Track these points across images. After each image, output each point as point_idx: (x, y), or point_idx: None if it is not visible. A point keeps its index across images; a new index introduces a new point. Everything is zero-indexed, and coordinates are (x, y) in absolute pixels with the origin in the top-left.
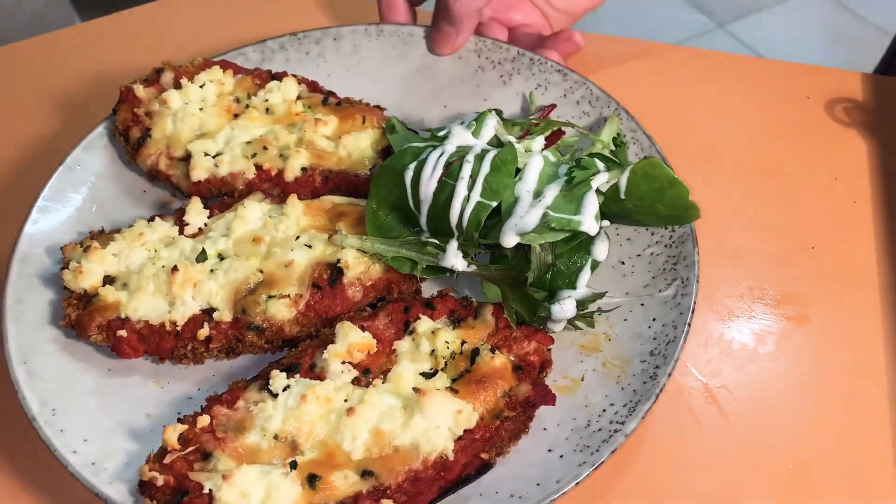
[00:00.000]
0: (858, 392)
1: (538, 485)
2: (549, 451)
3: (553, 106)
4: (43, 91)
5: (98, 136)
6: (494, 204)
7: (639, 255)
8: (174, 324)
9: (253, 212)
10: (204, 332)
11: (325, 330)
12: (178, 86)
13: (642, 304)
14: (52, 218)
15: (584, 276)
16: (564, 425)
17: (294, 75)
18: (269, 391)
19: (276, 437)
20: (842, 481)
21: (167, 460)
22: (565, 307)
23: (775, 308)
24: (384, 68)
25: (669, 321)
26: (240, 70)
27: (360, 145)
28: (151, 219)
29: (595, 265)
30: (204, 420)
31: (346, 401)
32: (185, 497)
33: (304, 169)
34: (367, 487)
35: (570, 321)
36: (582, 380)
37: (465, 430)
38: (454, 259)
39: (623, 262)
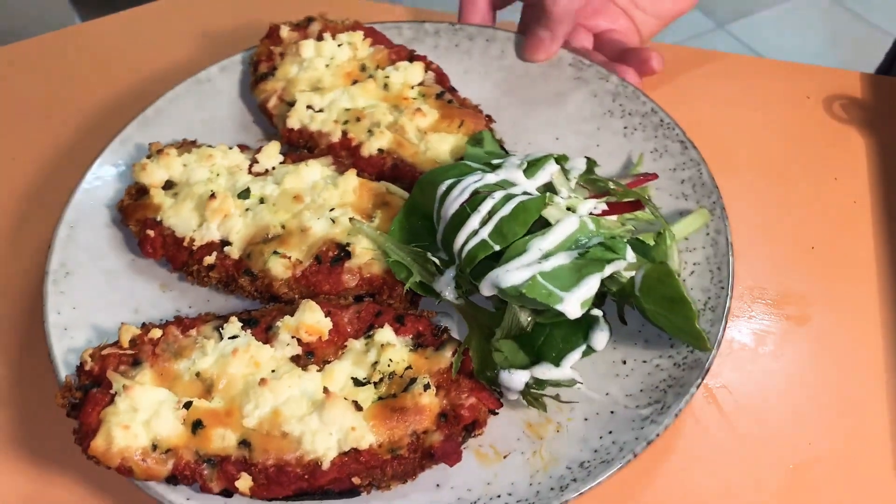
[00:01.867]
0: (858, 392)
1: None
2: (488, 483)
3: (654, 176)
4: (43, 91)
5: (235, 62)
6: (498, 248)
7: (644, 362)
8: (192, 241)
9: (312, 172)
10: (210, 259)
11: (302, 301)
12: (320, 38)
13: (612, 412)
14: (162, 120)
15: (572, 358)
16: (458, 490)
17: (430, 62)
18: (219, 333)
19: (198, 374)
20: (842, 481)
21: (105, 353)
22: (514, 378)
23: (775, 308)
24: (517, 82)
25: (620, 441)
26: (383, 41)
27: (441, 146)
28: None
29: (589, 352)
30: (156, 333)
31: (273, 371)
32: (94, 389)
33: (380, 150)
34: (236, 455)
35: (524, 395)
36: (504, 457)
37: (352, 448)
38: (445, 285)
39: (625, 362)
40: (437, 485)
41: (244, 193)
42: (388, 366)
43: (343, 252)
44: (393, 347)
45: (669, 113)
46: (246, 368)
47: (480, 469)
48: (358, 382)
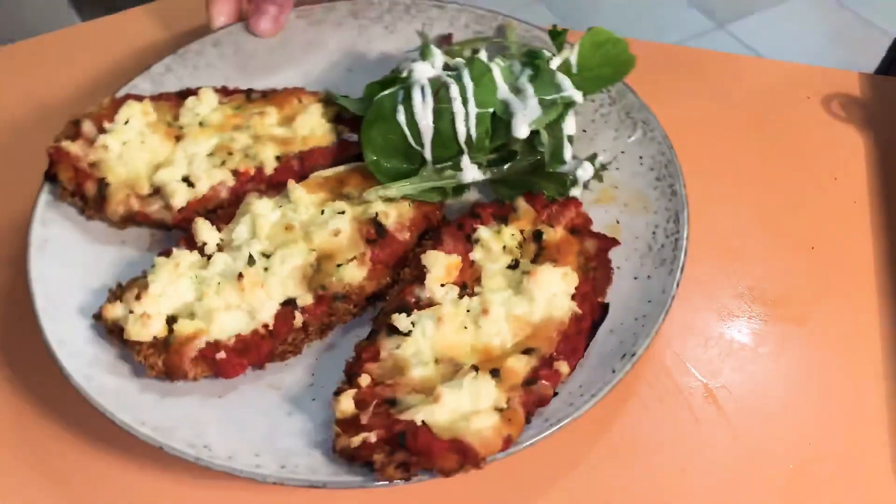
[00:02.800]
0: (858, 392)
1: (649, 302)
2: (635, 278)
3: (450, 35)
4: (43, 91)
5: (48, 207)
6: (491, 110)
7: (593, 121)
8: (266, 326)
9: (264, 208)
10: (299, 319)
11: (406, 270)
12: (102, 131)
13: (623, 152)
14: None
15: (568, 149)
16: (631, 257)
17: (214, 87)
18: (400, 332)
19: (436, 361)
20: (842, 481)
21: (366, 421)
22: (586, 169)
23: (775, 308)
24: (276, 58)
25: (656, 152)
26: (147, 98)
27: (312, 121)
28: (163, 253)
29: (570, 139)
30: (365, 379)
31: (468, 311)
32: (405, 437)
33: (277, 158)
34: (535, 362)
35: (585, 183)
36: (617, 223)
37: (574, 289)
38: (472, 172)
39: (585, 131)
40: (618, 267)
41: (250, 261)
42: (514, 240)
43: (377, 223)
44: (500, 231)
45: (668, 112)
46: (456, 324)
47: (622, 238)
48: (512, 267)
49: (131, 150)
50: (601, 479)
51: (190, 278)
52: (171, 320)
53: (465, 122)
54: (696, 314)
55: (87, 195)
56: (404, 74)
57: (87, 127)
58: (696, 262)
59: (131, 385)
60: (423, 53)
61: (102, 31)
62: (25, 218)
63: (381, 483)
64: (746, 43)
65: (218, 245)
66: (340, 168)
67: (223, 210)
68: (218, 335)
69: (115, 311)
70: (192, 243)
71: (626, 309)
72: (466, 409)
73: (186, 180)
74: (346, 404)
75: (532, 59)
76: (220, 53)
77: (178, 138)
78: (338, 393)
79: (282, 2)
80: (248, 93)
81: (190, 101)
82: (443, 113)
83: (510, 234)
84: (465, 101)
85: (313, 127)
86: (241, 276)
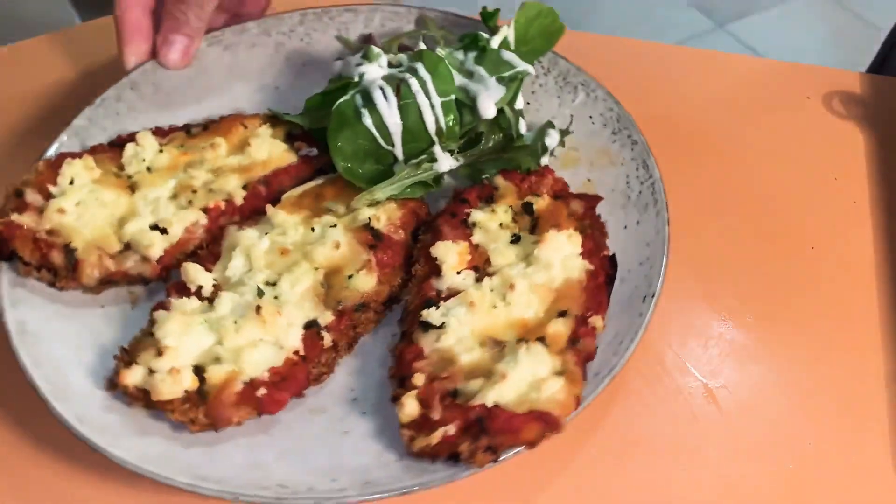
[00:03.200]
0: (858, 392)
1: (647, 245)
2: (625, 227)
3: (370, 35)
4: (43, 91)
5: (13, 287)
6: (453, 97)
7: (534, 93)
8: (296, 352)
9: (252, 238)
10: (327, 339)
11: (416, 267)
12: (48, 196)
13: (571, 115)
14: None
15: (522, 122)
16: (614, 210)
17: (136, 133)
18: (434, 326)
19: (480, 344)
20: (842, 481)
21: (438, 416)
22: (552, 136)
23: (775, 308)
24: (198, 89)
25: (604, 109)
26: (84, 153)
27: (266, 144)
28: (160, 306)
29: (521, 112)
30: (419, 378)
31: (491, 291)
32: (484, 421)
33: (244, 187)
34: (571, 323)
35: (552, 150)
36: (589, 181)
37: (580, 248)
38: (447, 160)
39: (529, 103)
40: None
41: (259, 292)
42: (508, 215)
43: (370, 229)
44: (492, 210)
45: (668, 112)
46: (487, 305)
47: (602, 193)
48: (515, 240)
49: (88, 209)
50: (601, 478)
51: (201, 324)
52: (198, 370)
53: (433, 113)
54: (696, 314)
55: (54, 266)
56: (356, 79)
57: (31, 195)
58: (697, 261)
59: (174, 445)
60: (367, 55)
61: (102, 31)
62: None
63: (469, 472)
64: (746, 43)
65: (214, 285)
66: (311, 184)
67: (203, 250)
68: (252, 373)
69: (134, 375)
70: (184, 290)
71: (627, 256)
72: (530, 380)
73: (157, 228)
74: (411, 406)
75: (472, 43)
76: (139, 95)
77: (132, 188)
78: (395, 398)
79: (191, 31)
80: (187, 128)
81: (130, 148)
82: (408, 108)
83: (503, 211)
84: (427, 94)
85: (269, 149)
86: (258, 308)
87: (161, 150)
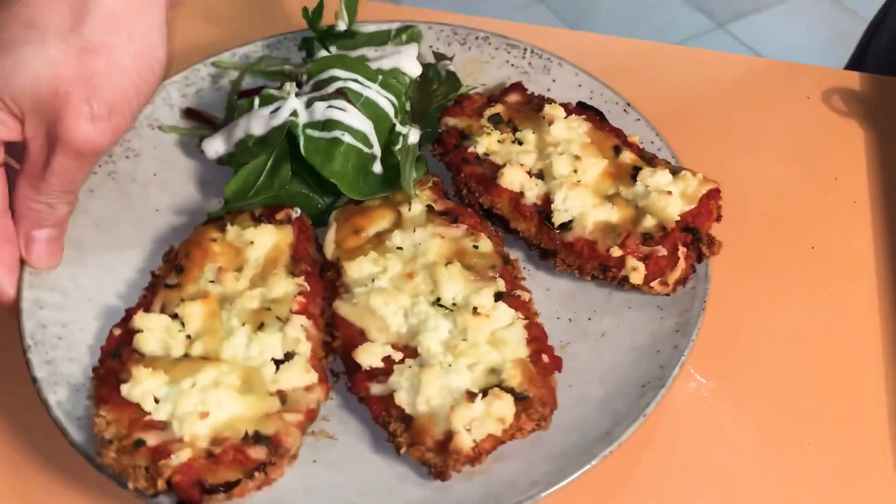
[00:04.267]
0: (858, 392)
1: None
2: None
3: (188, 108)
4: None
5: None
6: (380, 77)
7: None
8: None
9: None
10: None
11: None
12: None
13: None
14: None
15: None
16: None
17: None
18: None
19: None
20: (842, 481)
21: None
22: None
23: (775, 308)
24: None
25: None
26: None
27: (258, 242)
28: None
29: None
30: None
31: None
32: None
33: (299, 293)
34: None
35: None
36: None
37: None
38: (414, 131)
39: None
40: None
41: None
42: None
43: (450, 214)
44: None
45: (668, 112)
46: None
47: None
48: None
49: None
50: (602, 479)
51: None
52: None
53: (384, 97)
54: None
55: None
56: (290, 117)
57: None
58: None
59: None
60: (264, 98)
61: None
62: None
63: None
64: (746, 43)
65: None
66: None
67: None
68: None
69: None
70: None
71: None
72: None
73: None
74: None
75: (329, 34)
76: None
77: (210, 356)
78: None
79: (55, 220)
80: (159, 284)
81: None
82: (366, 107)
83: (504, 136)
84: (367, 86)
85: (263, 246)
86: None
87: (181, 327)
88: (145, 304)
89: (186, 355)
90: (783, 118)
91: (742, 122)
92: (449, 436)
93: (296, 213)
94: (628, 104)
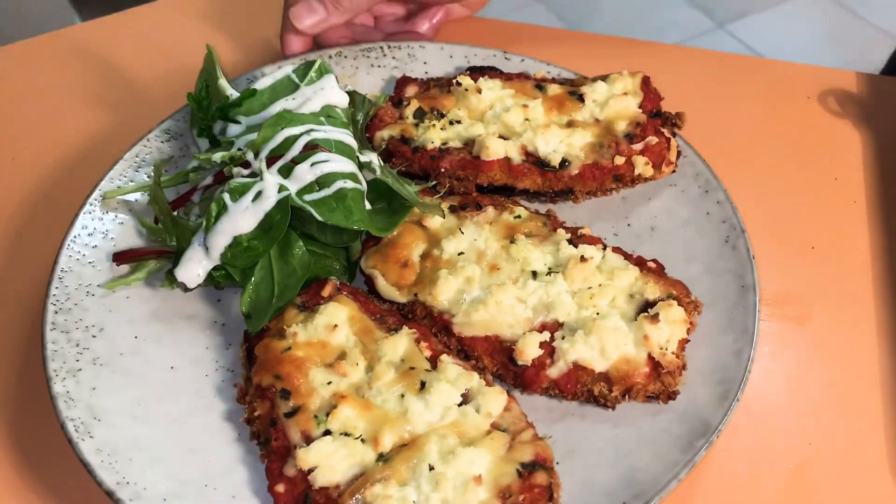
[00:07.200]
0: (858, 391)
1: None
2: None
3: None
4: (42, 91)
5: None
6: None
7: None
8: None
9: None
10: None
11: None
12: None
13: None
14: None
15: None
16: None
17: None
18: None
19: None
20: (842, 481)
21: None
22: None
23: (775, 308)
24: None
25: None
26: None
27: (342, 321)
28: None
29: None
30: None
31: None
32: None
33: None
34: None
35: None
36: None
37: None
38: (372, 156)
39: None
40: None
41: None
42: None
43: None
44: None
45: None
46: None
47: None
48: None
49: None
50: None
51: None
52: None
53: (346, 134)
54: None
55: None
56: (285, 193)
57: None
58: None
59: None
60: (232, 172)
61: (102, 31)
62: (23, 215)
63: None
64: (746, 43)
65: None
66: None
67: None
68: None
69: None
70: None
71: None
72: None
73: None
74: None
75: (231, 105)
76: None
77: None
78: None
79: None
80: (263, 423)
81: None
82: (340, 149)
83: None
84: (326, 130)
85: (344, 323)
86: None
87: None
88: (281, 450)
89: (381, 455)
90: (783, 118)
91: (742, 122)
92: (655, 363)
93: (336, 281)
94: (504, 52)
